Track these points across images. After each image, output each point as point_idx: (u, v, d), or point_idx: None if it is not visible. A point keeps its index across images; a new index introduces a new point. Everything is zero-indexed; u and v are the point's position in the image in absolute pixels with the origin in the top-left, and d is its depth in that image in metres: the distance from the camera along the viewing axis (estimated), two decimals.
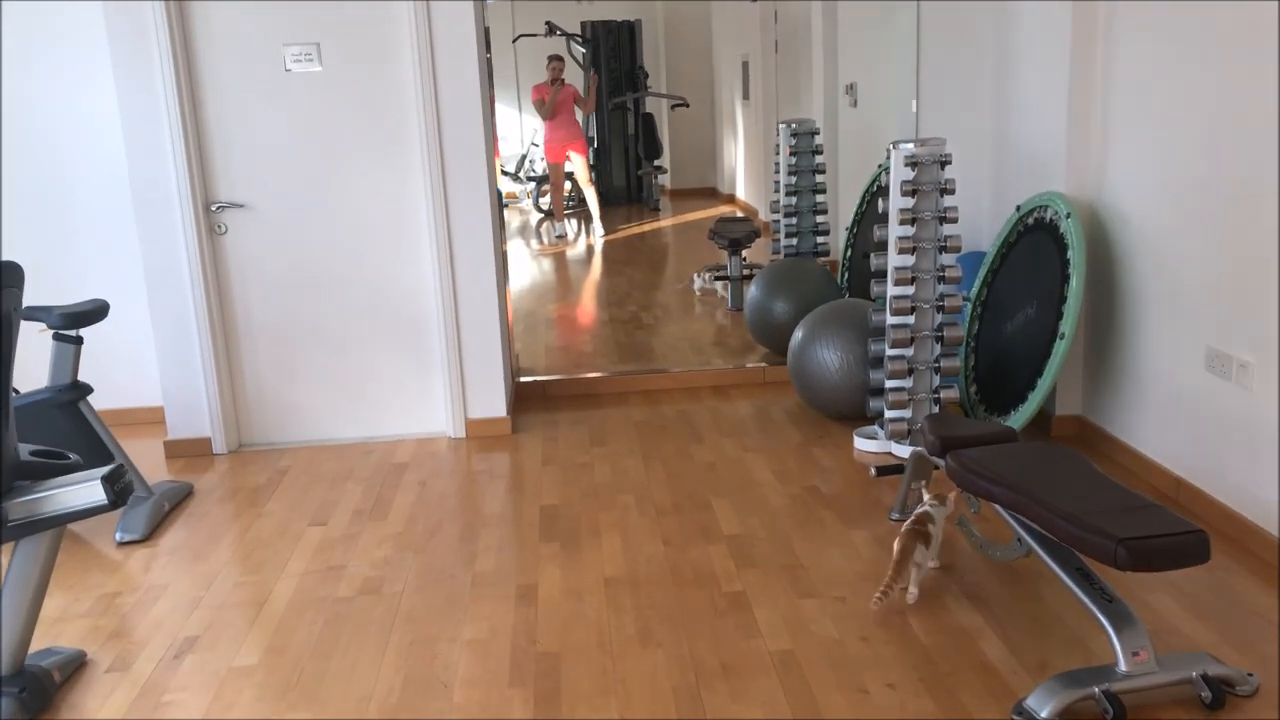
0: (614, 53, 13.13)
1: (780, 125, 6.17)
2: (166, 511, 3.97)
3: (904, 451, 4.24)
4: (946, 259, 4.14)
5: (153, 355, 4.75)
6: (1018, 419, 4.15)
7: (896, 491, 3.77)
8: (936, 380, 4.21)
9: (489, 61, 5.00)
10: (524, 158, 13.39)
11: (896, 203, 4.12)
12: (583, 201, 11.05)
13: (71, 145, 4.82)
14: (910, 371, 4.18)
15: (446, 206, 4.52)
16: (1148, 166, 3.83)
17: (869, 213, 6.17)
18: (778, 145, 6.24)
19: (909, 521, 3.12)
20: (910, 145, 4.07)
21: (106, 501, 2.56)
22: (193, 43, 4.36)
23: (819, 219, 6.20)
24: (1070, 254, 4.04)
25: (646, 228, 11.49)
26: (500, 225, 5.10)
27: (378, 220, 4.57)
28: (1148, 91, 3.80)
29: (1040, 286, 4.21)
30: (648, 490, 4.03)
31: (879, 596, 3.01)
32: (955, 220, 4.08)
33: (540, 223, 12.31)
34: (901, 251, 4.09)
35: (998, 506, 2.87)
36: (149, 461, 4.57)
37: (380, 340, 4.68)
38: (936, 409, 4.23)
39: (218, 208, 4.51)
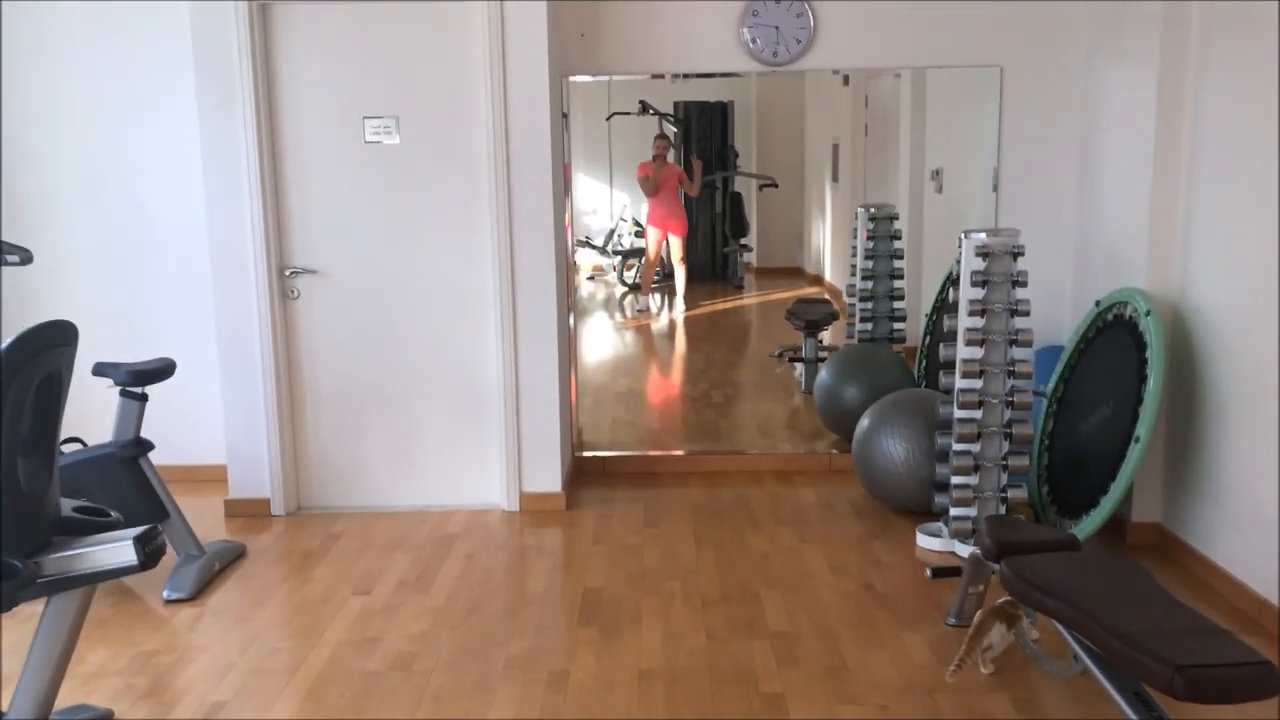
0: (706, 132, 13.27)
1: (859, 209, 6.10)
2: (217, 571, 4.00)
3: (967, 551, 4.05)
4: (1018, 353, 3.99)
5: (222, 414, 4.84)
6: (1089, 523, 3.94)
7: (954, 594, 3.59)
8: (1004, 479, 4.03)
9: (566, 139, 5.06)
10: (612, 232, 13.58)
11: (966, 293, 4.00)
12: (669, 276, 11.10)
13: (158, 205, 5.00)
14: (976, 468, 4.01)
15: (513, 281, 4.55)
16: (1232, 264, 3.65)
17: (947, 301, 6.02)
18: (855, 229, 6.16)
19: (1003, 600, 3.09)
20: (982, 235, 3.96)
21: (136, 562, 2.57)
22: (277, 112, 4.50)
23: (896, 305, 6.08)
24: (1149, 353, 3.86)
25: (729, 305, 11.46)
26: (570, 299, 5.10)
27: (445, 290, 4.62)
28: (1232, 188, 3.64)
29: (1118, 386, 4.03)
30: (696, 578, 3.92)
31: (954, 669, 3.02)
32: (1027, 314, 3.94)
33: (624, 296, 12.41)
34: (970, 344, 3.95)
35: (1053, 621, 2.70)
36: (208, 520, 4.63)
37: (441, 410, 4.69)
38: (1003, 509, 4.05)
39: (291, 273, 4.60)
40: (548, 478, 4.68)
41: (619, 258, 12.60)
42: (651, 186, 10.10)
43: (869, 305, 6.06)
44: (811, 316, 6.97)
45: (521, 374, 4.61)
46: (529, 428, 4.65)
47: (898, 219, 6.07)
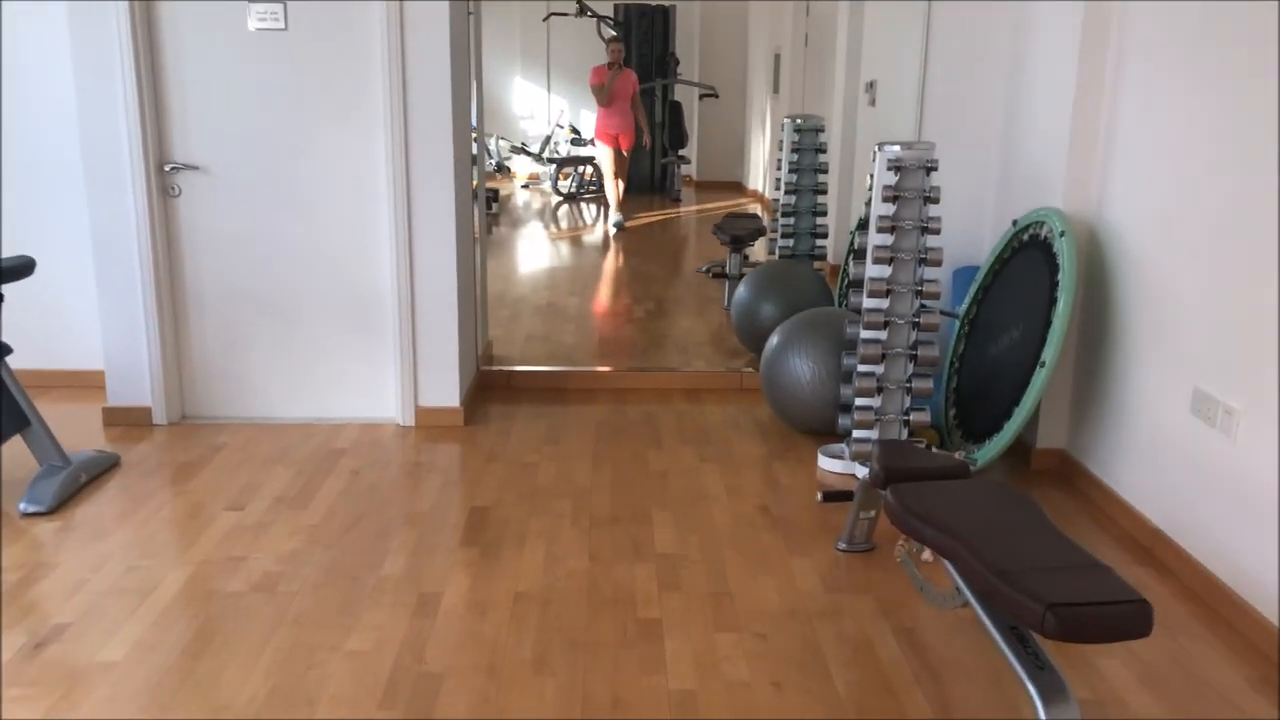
0: (646, 37, 12.85)
1: (785, 120, 5.89)
2: (83, 483, 3.79)
3: (864, 473, 3.96)
4: (928, 272, 3.85)
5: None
6: (992, 449, 3.86)
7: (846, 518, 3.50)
8: (907, 402, 3.92)
9: (473, 30, 4.76)
10: (548, 139, 13.18)
11: (877, 209, 3.83)
12: (601, 188, 10.81)
13: (29, 94, 4.65)
14: (880, 390, 3.90)
15: (408, 182, 4.29)
16: (1150, 186, 3.52)
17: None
18: (781, 141, 5.95)
19: None
20: (895, 147, 3.78)
21: None
22: None
23: (818, 221, 5.91)
24: (1060, 275, 3.74)
25: (665, 217, 11.22)
26: (473, 204, 4.86)
27: (338, 191, 4.35)
28: (1154, 108, 3.49)
29: (1029, 308, 3.91)
30: (589, 497, 3.78)
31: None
32: (938, 231, 3.79)
33: (558, 205, 12.09)
34: (878, 261, 3.80)
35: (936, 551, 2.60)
36: (85, 429, 4.40)
37: (334, 317, 4.46)
38: (905, 433, 3.95)
39: (172, 169, 4.31)
40: (445, 392, 4.50)
41: (554, 165, 12.28)
42: (606, 95, 9.65)
43: (791, 221, 5.88)
44: (737, 232, 6.78)
45: (418, 283, 4.39)
46: (425, 340, 4.44)
47: (823, 131, 5.86)
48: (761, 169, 12.07)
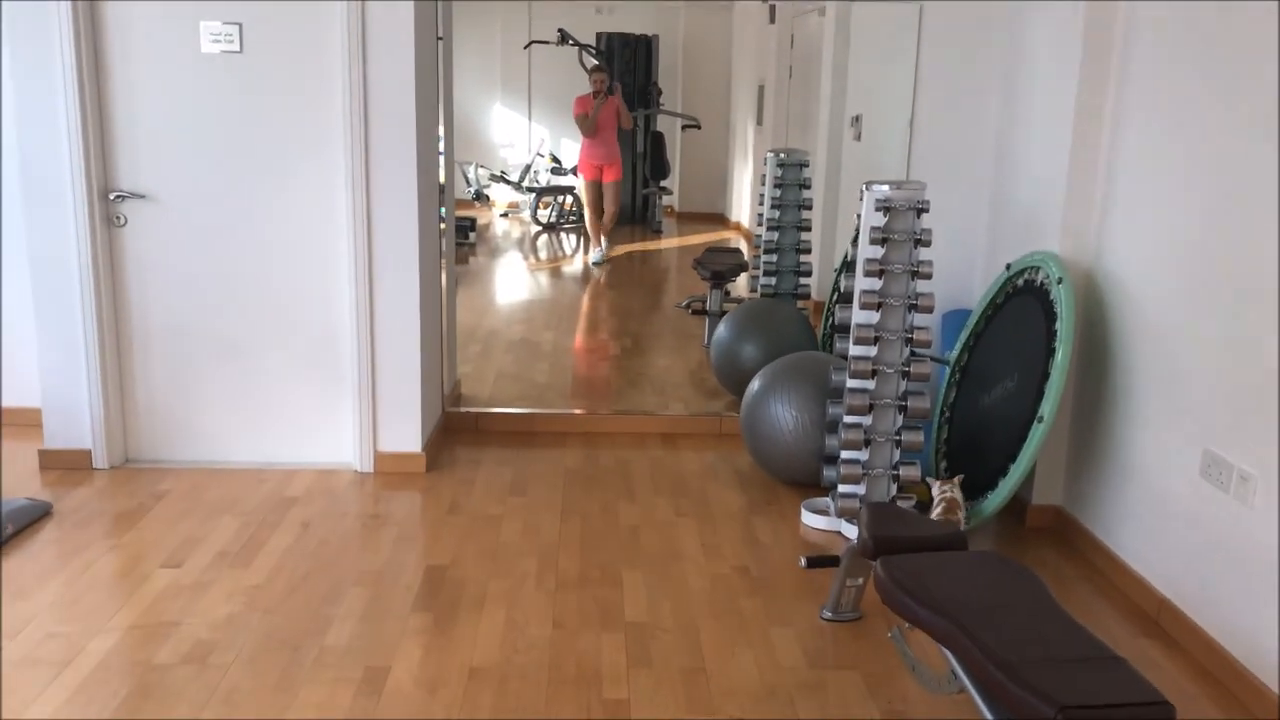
0: (628, 67, 12.68)
1: (768, 154, 5.69)
2: (8, 537, 3.51)
3: (854, 533, 3.72)
4: (918, 319, 3.64)
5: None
6: (988, 506, 3.63)
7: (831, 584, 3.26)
8: (896, 455, 3.69)
9: (443, 60, 4.54)
10: (528, 167, 12.98)
11: (865, 251, 3.62)
12: (582, 219, 10.56)
13: None
14: (867, 442, 3.67)
15: (369, 215, 4.05)
16: (1153, 233, 3.32)
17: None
18: (763, 176, 5.75)
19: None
20: (884, 187, 3.57)
21: None
22: (100, 15, 3.91)
23: (802, 258, 5.71)
24: (1058, 324, 3.52)
25: (646, 249, 11.02)
26: (440, 238, 4.63)
27: (295, 223, 4.11)
28: (1158, 150, 3.30)
29: (1024, 357, 3.70)
30: (555, 555, 3.53)
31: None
32: (929, 276, 3.57)
33: (537, 235, 11.87)
34: (865, 307, 3.58)
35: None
36: (20, 472, 4.11)
37: (289, 356, 4.21)
38: (894, 488, 3.71)
39: (117, 197, 4.06)
40: (406, 436, 4.24)
41: (534, 195, 12.07)
42: (591, 125, 9.12)
43: (773, 258, 5.68)
44: (718, 267, 6.57)
45: (378, 321, 4.14)
46: (386, 382, 4.19)
47: (808, 166, 5.66)
48: (744, 201, 11.90)
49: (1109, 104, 3.58)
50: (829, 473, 3.87)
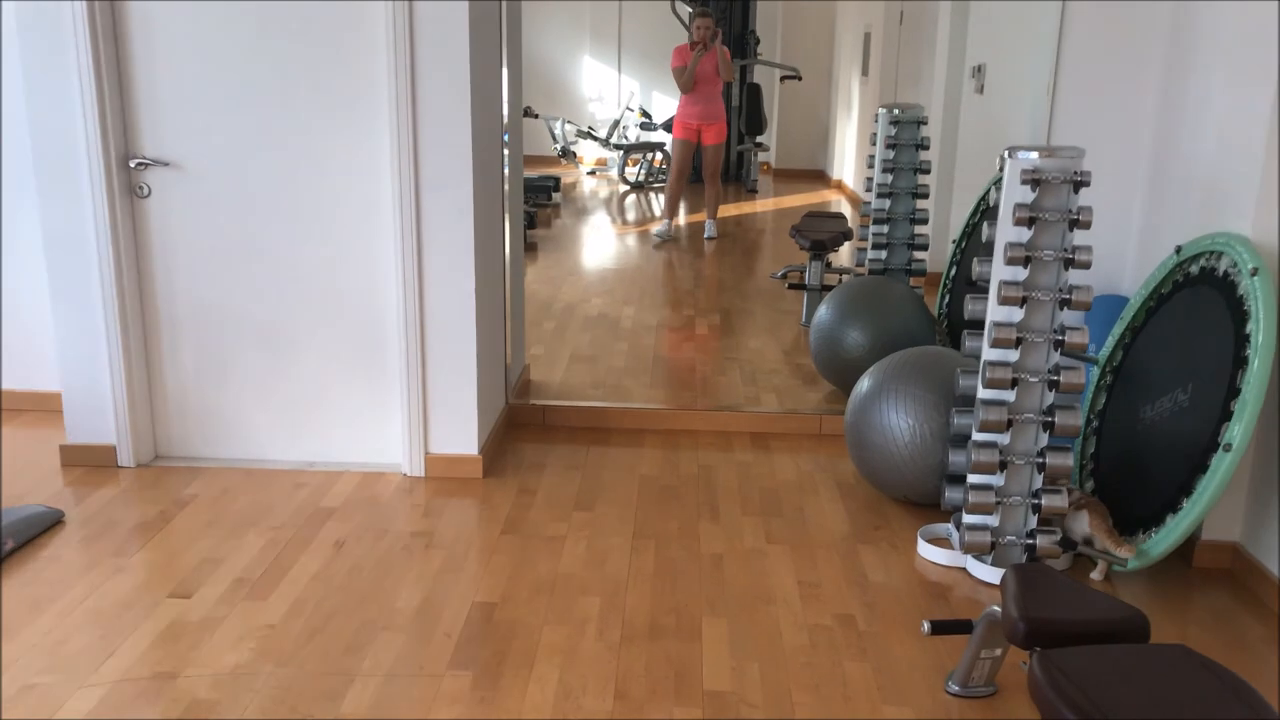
0: (724, 15, 11.93)
1: (880, 110, 5.00)
2: (7, 553, 3.10)
3: (983, 572, 3.10)
4: (1070, 317, 2.97)
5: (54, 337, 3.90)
6: (1153, 546, 2.96)
7: (962, 652, 2.65)
8: (1038, 481, 3.04)
9: (503, 8, 3.96)
10: (616, 123, 12.35)
11: (1006, 233, 2.95)
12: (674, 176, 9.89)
13: None
14: (1002, 466, 3.03)
15: (416, 184, 3.52)
16: None
17: (980, 227, 4.97)
18: (874, 135, 5.06)
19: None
20: (1032, 155, 2.89)
21: None
22: None
23: (917, 230, 5.02)
24: (1251, 327, 2.82)
25: (740, 211, 10.34)
26: (503, 208, 4.08)
27: (334, 193, 3.60)
28: None
29: (1202, 364, 3.01)
30: (624, 593, 2.99)
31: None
32: (1088, 265, 2.89)
33: (625, 195, 11.28)
34: (1006, 302, 2.92)
35: None
36: (42, 470, 3.73)
37: (332, 343, 3.72)
38: (1034, 520, 3.07)
39: (139, 164, 3.60)
40: (460, 438, 3.73)
41: (621, 152, 11.46)
42: (689, 79, 8.10)
43: (884, 229, 5.00)
44: (818, 235, 5.91)
45: (428, 306, 3.62)
46: (438, 376, 3.68)
47: (925, 124, 4.96)
48: (847, 158, 11.11)
49: None
50: (952, 494, 3.24)
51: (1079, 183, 2.86)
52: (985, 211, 5.02)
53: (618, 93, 12.53)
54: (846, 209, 10.01)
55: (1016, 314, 2.95)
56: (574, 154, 12.22)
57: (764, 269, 7.29)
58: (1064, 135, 4.31)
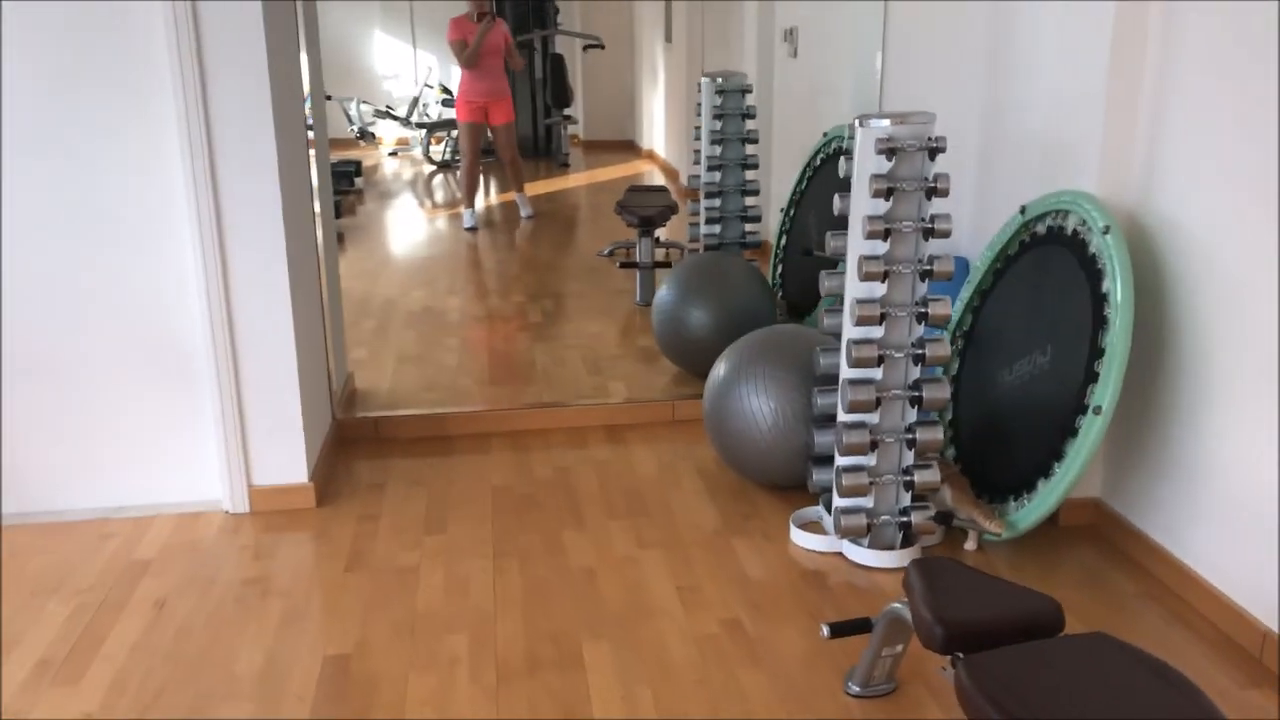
0: None
1: (703, 79, 4.84)
2: None
3: (861, 555, 3.01)
4: (932, 289, 2.89)
5: None
6: (1024, 516, 2.93)
7: (861, 652, 2.54)
8: (909, 457, 2.96)
9: None
10: (416, 100, 11.83)
11: (863, 206, 2.83)
12: (488, 153, 9.47)
13: None
14: (874, 446, 2.93)
15: (214, 182, 3.12)
16: (1231, 162, 2.60)
17: (810, 194, 4.91)
18: (699, 105, 4.91)
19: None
20: (884, 123, 2.78)
21: None
22: None
23: (748, 202, 4.91)
24: (1108, 285, 2.81)
25: (554, 187, 10.07)
26: (312, 200, 3.71)
27: (116, 195, 3.15)
28: (1241, 40, 2.56)
29: (1058, 325, 2.99)
30: (491, 625, 2.73)
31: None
32: (948, 233, 2.81)
33: (432, 175, 10.82)
34: (868, 278, 2.81)
35: None
36: None
37: (127, 367, 3.28)
38: (908, 497, 2.99)
39: None
40: (287, 464, 3.37)
41: (424, 131, 10.99)
42: (472, 55, 7.44)
43: (716, 202, 4.87)
44: (646, 211, 5.73)
45: (238, 319, 3.23)
46: (256, 395, 3.30)
47: (750, 91, 4.84)
48: (656, 127, 11.00)
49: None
50: (819, 476, 3.14)
51: (935, 149, 2.76)
52: (812, 178, 4.96)
53: (414, 69, 11.98)
54: (660, 179, 9.91)
55: (879, 289, 2.84)
56: (373, 135, 11.62)
57: (589, 247, 7.08)
58: (894, 99, 4.27)
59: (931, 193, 2.77)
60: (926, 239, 2.81)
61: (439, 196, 9.92)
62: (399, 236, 7.92)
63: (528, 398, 4.30)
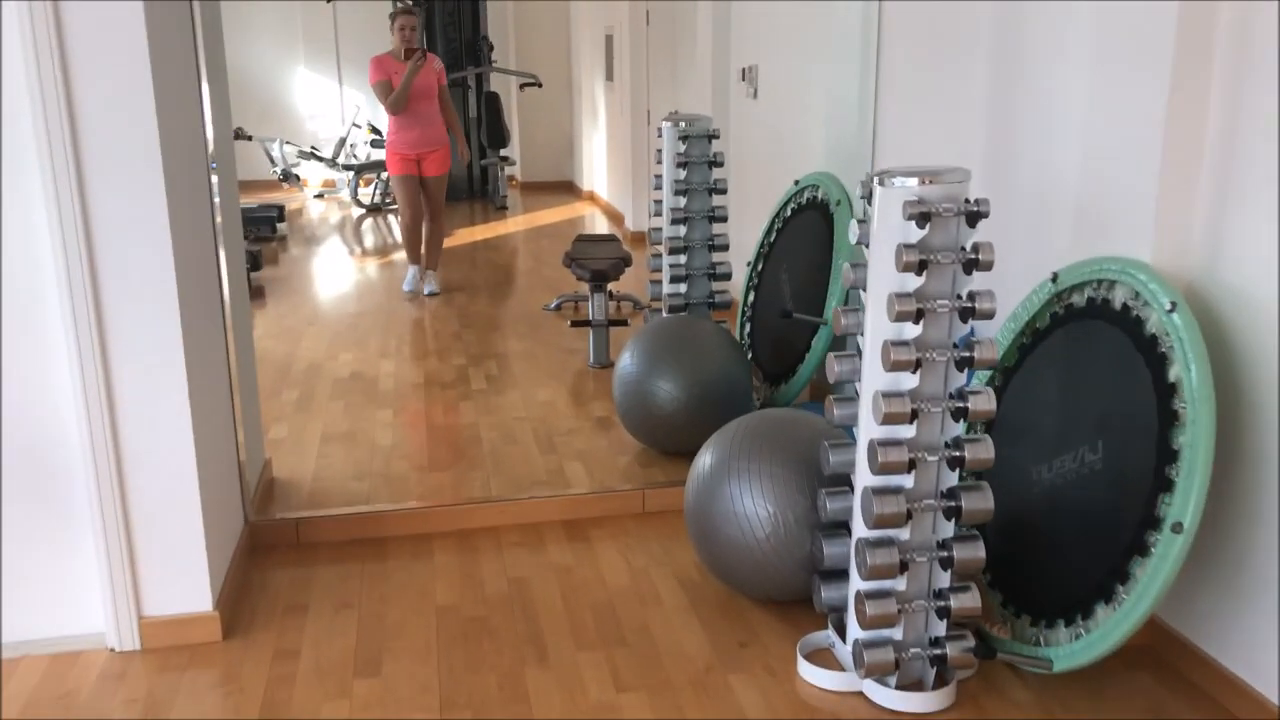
0: (452, 19, 11.07)
1: (664, 124, 4.37)
2: None
3: (887, 697, 2.50)
4: (959, 377, 2.41)
5: None
6: (1084, 649, 2.45)
7: None
8: (943, 578, 2.48)
9: (197, 14, 3.02)
10: (343, 140, 11.22)
11: (888, 282, 2.36)
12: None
13: None
14: (903, 566, 2.44)
15: (91, 262, 2.54)
16: None
17: (780, 247, 4.46)
18: (659, 153, 4.43)
19: None
20: (912, 182, 2.31)
21: None
22: None
23: (716, 258, 4.43)
24: (1178, 373, 2.36)
25: (492, 232, 9.54)
26: (217, 264, 3.14)
27: None
28: None
29: (1111, 417, 2.54)
30: None
31: None
32: (991, 314, 2.35)
33: (361, 219, 10.22)
34: (896, 366, 2.32)
35: None
36: None
37: None
38: (943, 625, 2.50)
39: None
40: (186, 590, 2.78)
41: (352, 173, 10.40)
42: (400, 98, 6.34)
43: (681, 259, 4.38)
44: (598, 264, 5.24)
45: (122, 417, 2.65)
46: (145, 507, 2.71)
47: (717, 137, 4.38)
48: (596, 168, 10.54)
49: (1220, 31, 2.42)
50: (830, 593, 2.65)
51: (976, 213, 2.30)
52: (782, 230, 4.52)
53: (341, 107, 11.40)
54: (603, 222, 9.44)
55: (909, 381, 2.36)
56: (297, 177, 10.99)
57: (533, 300, 6.55)
58: (887, 150, 3.84)
59: (972, 265, 2.31)
60: (966, 320, 2.34)
61: (369, 242, 9.34)
62: (327, 287, 7.32)
63: (474, 485, 3.75)
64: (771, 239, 4.59)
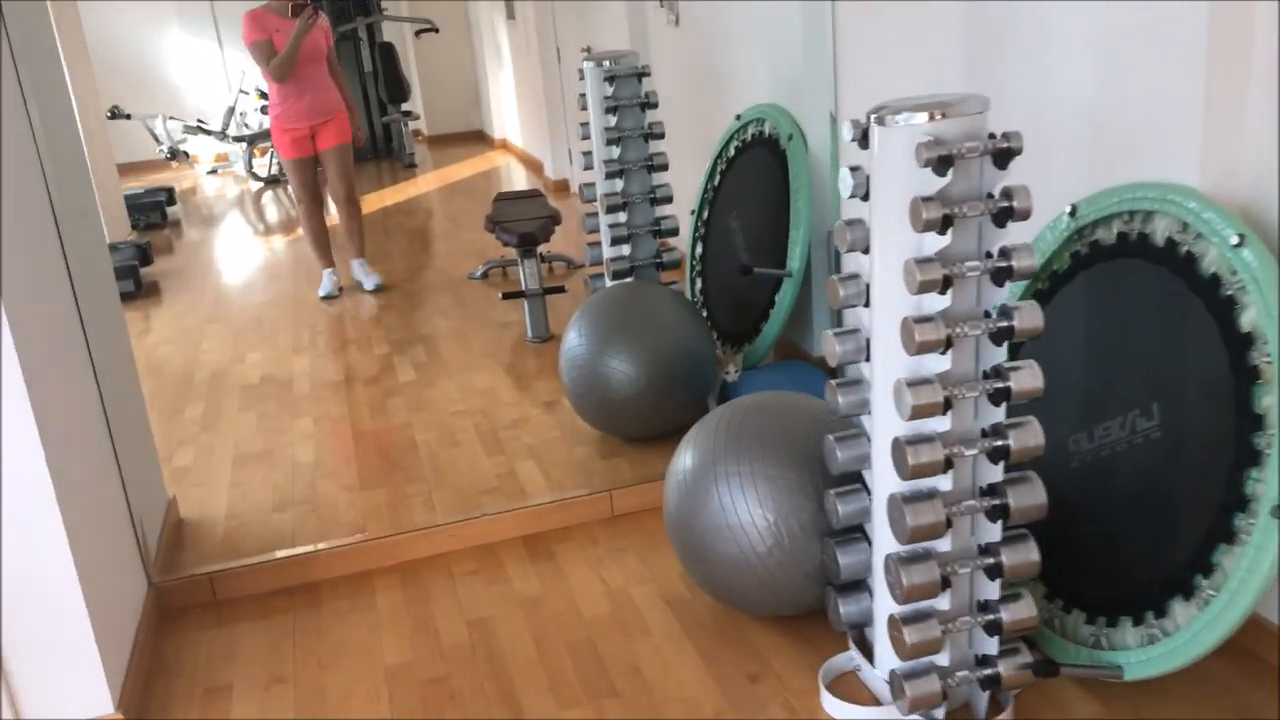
0: None
1: (586, 64, 3.84)
2: None
3: None
4: (996, 351, 1.99)
5: None
6: (1167, 656, 2.07)
7: None
8: (988, 589, 2.08)
9: None
10: (231, 109, 10.39)
11: (902, 245, 1.91)
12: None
13: None
14: (946, 583, 2.03)
15: None
16: None
17: (727, 190, 4.01)
18: (582, 96, 3.91)
19: None
20: (922, 118, 1.85)
21: None
22: None
23: (660, 212, 3.95)
24: (1253, 318, 1.96)
25: (402, 194, 8.89)
26: (70, 290, 2.59)
27: None
28: None
29: (1166, 375, 2.14)
30: None
31: None
32: (1029, 273, 1.91)
33: (259, 193, 9.49)
34: (923, 348, 1.88)
35: None
36: None
37: None
38: (994, 642, 2.10)
39: None
40: (80, 692, 2.27)
41: (245, 144, 9.64)
42: (285, 61, 5.30)
43: (622, 216, 3.90)
44: (524, 226, 4.72)
45: None
46: (19, 594, 2.19)
47: (647, 75, 3.87)
48: (506, 114, 9.91)
49: None
50: (849, 608, 2.24)
51: (1007, 149, 1.85)
52: (726, 171, 4.06)
53: (225, 72, 10.54)
54: (521, 172, 8.86)
55: (938, 363, 1.92)
56: (186, 154, 10.18)
57: (456, 269, 6.00)
58: (850, 77, 3.37)
59: (1006, 215, 1.87)
60: (1001, 283, 1.91)
61: (271, 217, 8.67)
62: (227, 275, 6.68)
63: (414, 504, 3.27)
64: (715, 182, 4.13)
